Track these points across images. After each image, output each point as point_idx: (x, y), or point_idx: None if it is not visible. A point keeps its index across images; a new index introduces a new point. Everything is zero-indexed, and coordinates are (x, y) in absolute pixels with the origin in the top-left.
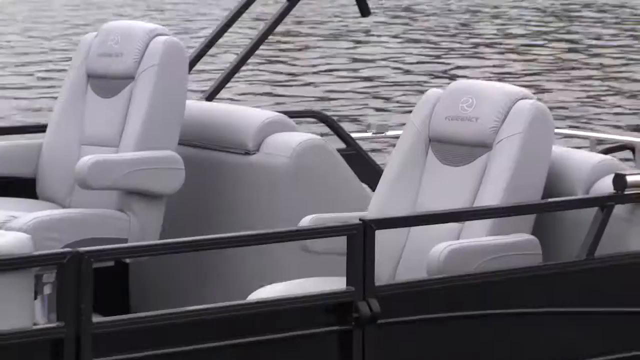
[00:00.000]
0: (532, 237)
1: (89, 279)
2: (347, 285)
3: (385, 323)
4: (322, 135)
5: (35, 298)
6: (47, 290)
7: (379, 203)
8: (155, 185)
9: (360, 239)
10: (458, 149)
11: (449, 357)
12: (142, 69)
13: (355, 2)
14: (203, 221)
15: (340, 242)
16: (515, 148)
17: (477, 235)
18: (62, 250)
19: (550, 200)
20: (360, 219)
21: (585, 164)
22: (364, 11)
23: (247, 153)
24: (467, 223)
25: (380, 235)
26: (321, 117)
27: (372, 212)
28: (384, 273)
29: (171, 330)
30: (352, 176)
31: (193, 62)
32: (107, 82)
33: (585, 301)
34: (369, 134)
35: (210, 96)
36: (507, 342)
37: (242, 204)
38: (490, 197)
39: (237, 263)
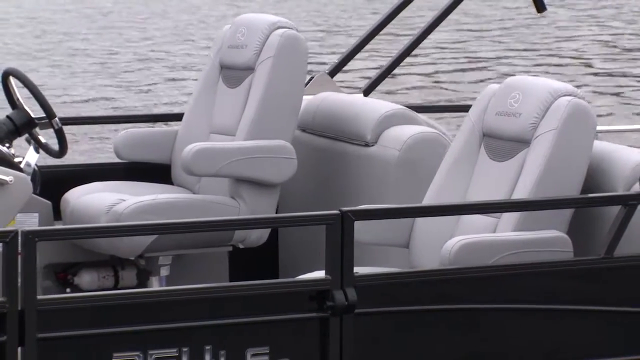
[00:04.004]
0: (561, 234)
1: (32, 257)
2: (325, 274)
3: (362, 313)
4: None
5: (148, 279)
6: (164, 272)
7: (432, 196)
8: (264, 174)
9: (337, 228)
10: (503, 144)
11: (427, 350)
12: (260, 61)
13: None
14: (315, 208)
15: (388, 233)
16: (548, 144)
17: (506, 230)
18: (6, 229)
19: (567, 197)
20: (339, 210)
21: (628, 161)
22: (540, 7)
23: (367, 145)
24: (502, 217)
25: (428, 225)
26: None
27: (426, 204)
28: (432, 262)
29: (124, 310)
30: None
31: (334, 71)
32: (233, 73)
33: (600, 300)
34: None
35: (367, 90)
36: (492, 338)
37: (354, 194)
38: (521, 193)
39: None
